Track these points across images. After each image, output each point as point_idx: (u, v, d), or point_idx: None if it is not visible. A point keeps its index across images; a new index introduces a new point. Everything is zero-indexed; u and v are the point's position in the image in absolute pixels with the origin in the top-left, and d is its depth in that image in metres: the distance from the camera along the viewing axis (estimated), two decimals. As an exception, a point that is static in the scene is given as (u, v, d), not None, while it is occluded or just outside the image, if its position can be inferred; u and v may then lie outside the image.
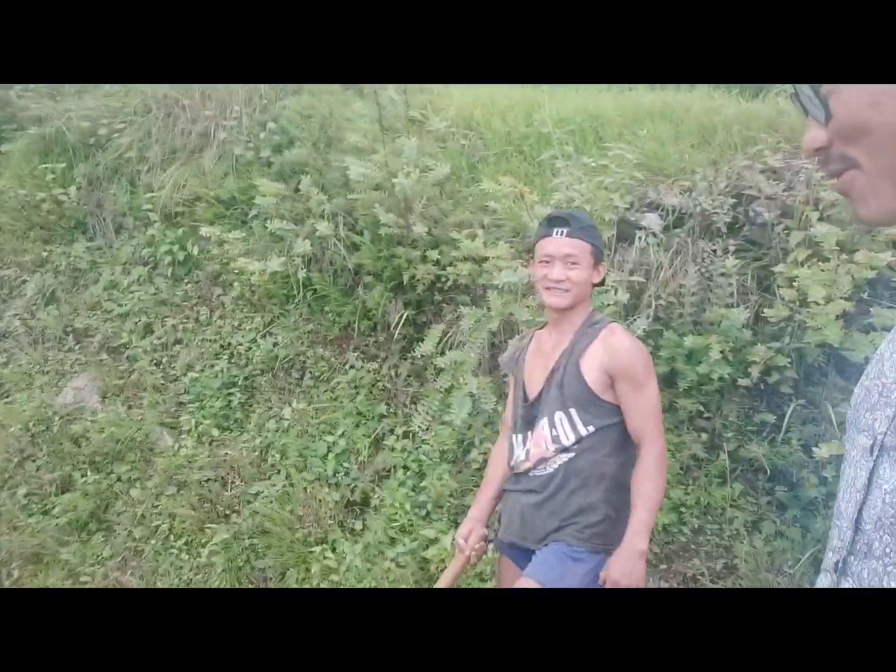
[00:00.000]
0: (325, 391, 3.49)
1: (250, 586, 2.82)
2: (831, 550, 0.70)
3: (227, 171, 3.85)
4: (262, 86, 3.93)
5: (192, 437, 3.35)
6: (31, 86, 4.55)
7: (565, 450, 1.73)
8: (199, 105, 3.93)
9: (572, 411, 1.73)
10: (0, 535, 3.01)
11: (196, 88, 3.94)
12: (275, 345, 3.62)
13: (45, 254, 4.19)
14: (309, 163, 3.60)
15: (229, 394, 3.52)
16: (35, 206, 4.19)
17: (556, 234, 1.75)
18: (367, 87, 3.07)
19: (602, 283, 1.91)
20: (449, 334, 3.22)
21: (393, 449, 3.18)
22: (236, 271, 3.38)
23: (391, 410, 3.39)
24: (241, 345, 3.66)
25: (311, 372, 3.56)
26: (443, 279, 3.35)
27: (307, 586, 2.71)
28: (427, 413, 2.88)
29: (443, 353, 3.15)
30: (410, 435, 3.27)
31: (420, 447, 3.16)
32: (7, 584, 2.69)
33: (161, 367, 3.71)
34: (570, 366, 1.75)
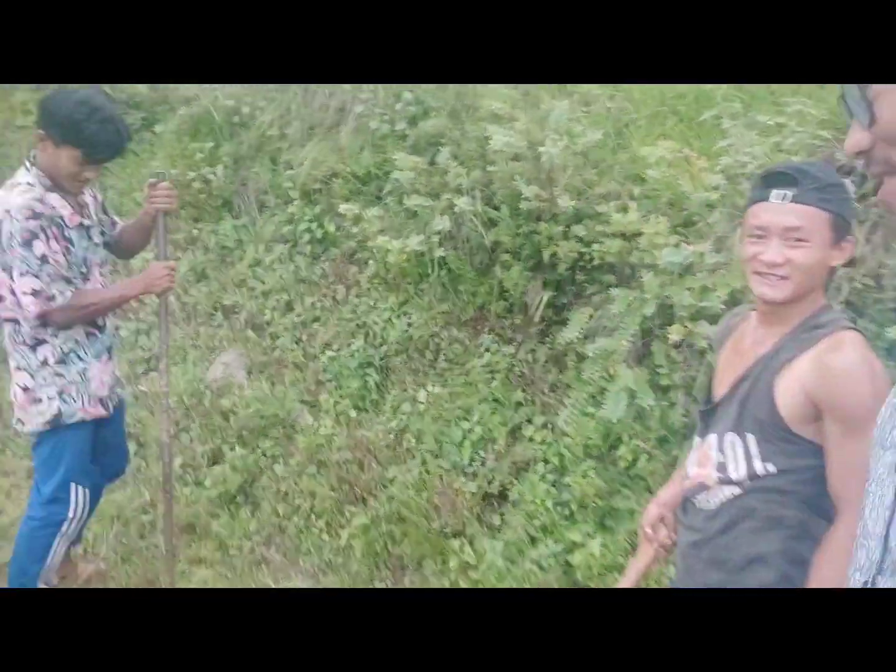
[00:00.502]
0: (460, 374, 3.37)
1: (387, 573, 2.80)
2: (858, 571, 0.69)
3: (363, 146, 3.77)
4: (397, 55, 3.79)
5: (330, 417, 3.38)
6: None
7: (731, 482, 1.34)
8: (336, 79, 3.86)
9: (749, 438, 1.32)
10: (158, 502, 3.21)
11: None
12: (409, 325, 3.54)
13: (195, 232, 4.38)
14: (445, 134, 3.43)
15: (365, 374, 3.51)
16: (186, 186, 4.37)
17: (776, 198, 1.27)
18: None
19: (851, 264, 1.45)
20: (594, 318, 2.96)
21: (531, 440, 3.01)
22: (374, 249, 3.31)
23: (528, 398, 3.21)
24: (376, 324, 3.62)
25: (445, 354, 3.45)
26: (586, 257, 3.09)
27: (445, 579, 2.64)
28: (574, 407, 2.66)
29: (587, 339, 2.91)
30: (550, 426, 3.08)
31: (561, 440, 2.96)
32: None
33: (301, 344, 3.76)
34: (762, 379, 1.31)
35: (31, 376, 2.08)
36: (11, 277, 1.93)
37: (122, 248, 2.42)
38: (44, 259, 1.91)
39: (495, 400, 3.22)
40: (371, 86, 3.77)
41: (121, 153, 2.05)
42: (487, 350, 3.34)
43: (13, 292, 1.96)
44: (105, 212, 2.31)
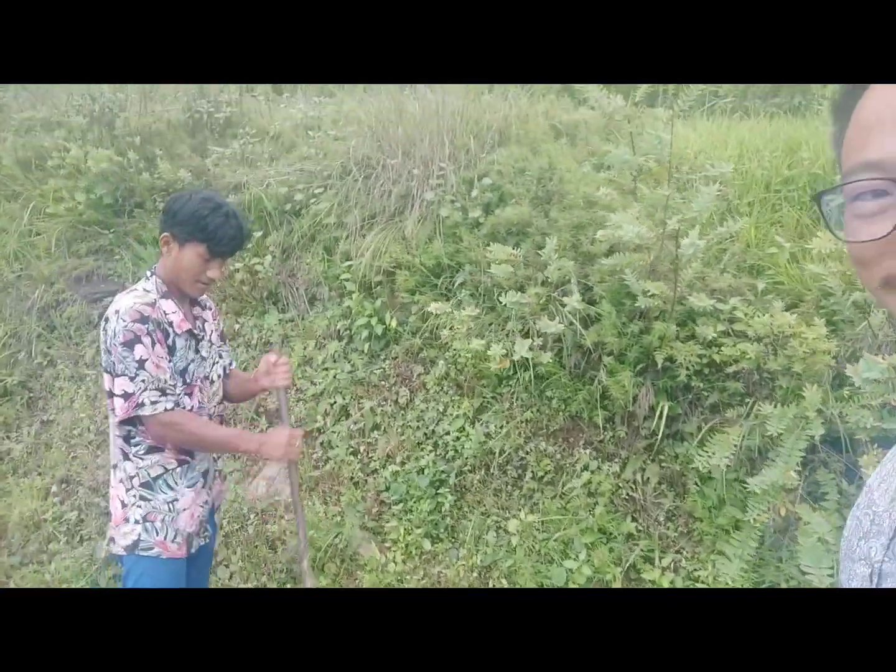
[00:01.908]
0: (553, 497, 2.86)
1: None
2: None
3: (432, 236, 3.43)
4: (471, 140, 3.51)
5: (399, 548, 2.84)
6: (227, 152, 4.50)
7: None
8: (401, 165, 3.58)
9: None
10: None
11: (398, 147, 3.60)
12: (487, 435, 3.06)
13: (237, 326, 3.99)
14: (532, 222, 3.08)
15: (438, 494, 2.99)
16: (229, 277, 4.02)
17: None
18: (623, 123, 2.47)
19: None
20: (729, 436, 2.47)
21: (656, 585, 2.46)
22: (461, 352, 2.87)
23: (641, 528, 2.69)
24: (447, 434, 3.14)
25: (532, 471, 2.95)
26: (703, 360, 2.65)
27: None
28: (741, 559, 2.13)
29: (708, 456, 2.42)
30: (675, 566, 2.53)
31: (694, 587, 2.41)
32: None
33: (358, 456, 3.27)
34: None
35: (126, 490, 1.90)
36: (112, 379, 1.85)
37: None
38: (141, 363, 1.78)
39: (601, 531, 2.69)
40: (440, 170, 3.48)
41: (242, 247, 2.01)
42: (586, 468, 2.84)
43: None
44: (222, 339, 2.19)
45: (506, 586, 2.61)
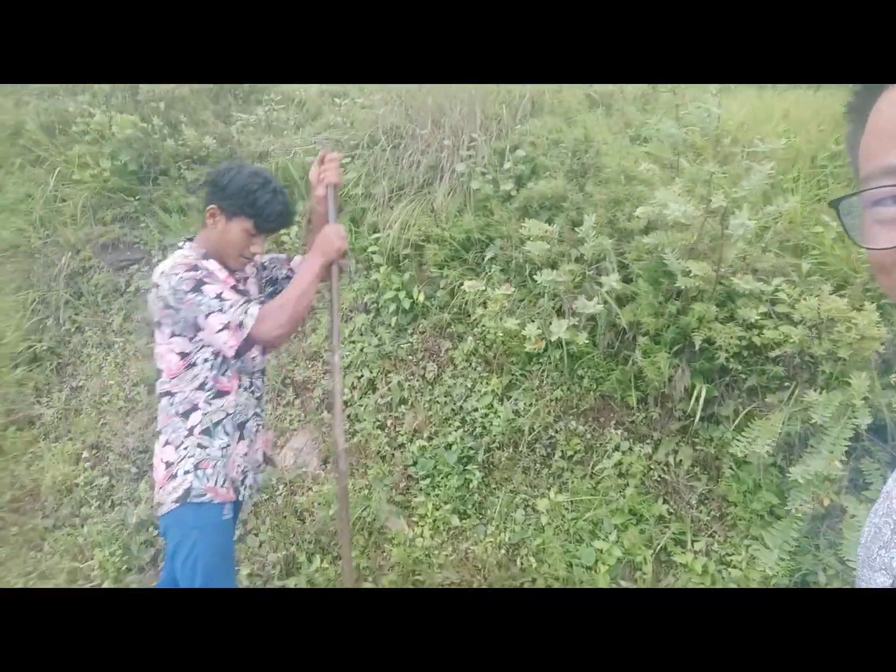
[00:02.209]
0: (583, 477, 2.84)
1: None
2: None
3: (462, 209, 3.35)
4: (503, 110, 3.41)
5: (427, 524, 2.84)
6: (252, 119, 4.42)
7: None
8: (430, 134, 3.49)
9: None
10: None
11: (427, 116, 3.50)
12: (516, 413, 3.03)
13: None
14: (566, 197, 2.99)
15: (465, 471, 2.98)
16: (254, 247, 3.99)
17: None
18: (665, 94, 2.37)
19: None
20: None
21: (688, 569, 2.44)
22: (498, 331, 2.83)
23: (672, 511, 2.66)
24: (476, 410, 3.12)
25: (561, 450, 2.92)
26: (742, 342, 2.58)
27: None
28: (780, 549, 2.09)
29: (745, 442, 2.37)
30: (708, 550, 2.51)
31: (727, 572, 2.39)
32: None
33: (386, 430, 3.26)
34: None
35: (175, 448, 1.91)
36: (192, 335, 1.84)
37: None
38: (219, 296, 1.78)
39: (632, 512, 2.67)
40: (472, 141, 3.38)
41: (287, 224, 1.99)
42: (617, 448, 2.81)
43: (188, 352, 1.86)
44: (265, 267, 2.18)
45: (534, 565, 2.61)
